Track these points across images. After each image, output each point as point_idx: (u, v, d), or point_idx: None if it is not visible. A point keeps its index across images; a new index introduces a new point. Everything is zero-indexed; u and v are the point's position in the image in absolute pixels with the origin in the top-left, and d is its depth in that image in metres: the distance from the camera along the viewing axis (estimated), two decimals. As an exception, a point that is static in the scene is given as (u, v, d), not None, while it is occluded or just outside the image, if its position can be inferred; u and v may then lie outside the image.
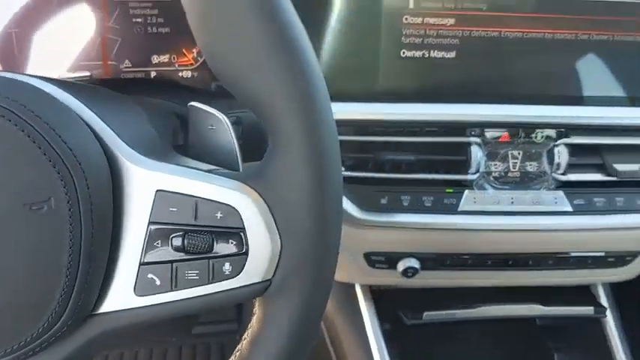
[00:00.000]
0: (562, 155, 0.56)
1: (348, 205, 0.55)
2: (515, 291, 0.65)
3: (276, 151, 0.30)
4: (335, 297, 0.65)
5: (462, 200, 0.56)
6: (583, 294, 0.69)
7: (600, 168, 0.57)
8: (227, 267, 0.30)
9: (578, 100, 0.56)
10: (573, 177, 0.56)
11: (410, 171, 0.55)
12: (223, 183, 0.30)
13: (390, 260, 0.59)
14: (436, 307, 0.63)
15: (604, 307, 0.68)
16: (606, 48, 0.55)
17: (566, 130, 0.56)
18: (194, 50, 0.57)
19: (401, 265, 0.59)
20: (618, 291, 0.69)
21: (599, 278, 0.67)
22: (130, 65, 0.56)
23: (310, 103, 0.29)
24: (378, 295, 0.65)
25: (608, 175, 0.56)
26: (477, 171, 0.56)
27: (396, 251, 0.59)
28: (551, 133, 0.56)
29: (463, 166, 0.55)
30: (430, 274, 0.60)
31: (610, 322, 0.67)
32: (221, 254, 0.30)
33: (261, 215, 0.30)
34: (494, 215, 0.57)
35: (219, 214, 0.30)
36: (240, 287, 0.31)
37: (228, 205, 0.30)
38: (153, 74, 0.57)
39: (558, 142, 0.56)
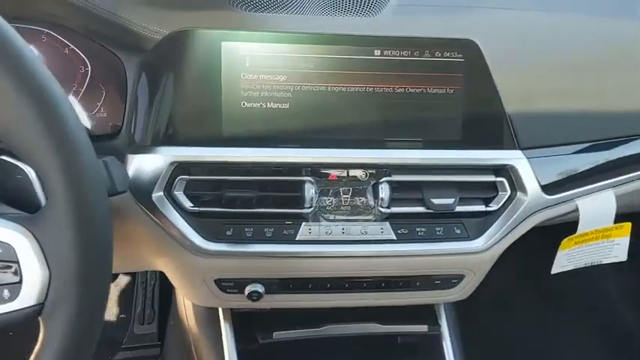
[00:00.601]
0: (385, 191, 0.64)
1: (195, 237, 0.62)
2: (366, 310, 0.73)
3: (46, 198, 0.38)
4: (199, 319, 0.72)
5: (299, 231, 0.64)
6: (427, 312, 0.77)
7: (421, 202, 0.65)
8: (6, 293, 0.38)
9: (398, 144, 0.64)
10: (395, 210, 0.65)
11: (253, 206, 0.63)
12: (3, 225, 0.38)
13: (238, 285, 0.67)
14: (288, 327, 0.71)
15: (438, 325, 0.76)
16: (420, 99, 0.64)
17: (389, 169, 0.65)
18: (63, 101, 0.65)
19: (246, 290, 0.66)
20: (459, 309, 0.77)
21: (433, 299, 0.75)
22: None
23: (67, 159, 0.37)
24: (240, 317, 0.72)
25: (428, 208, 0.65)
26: (311, 206, 0.64)
27: (243, 277, 0.66)
28: (375, 172, 0.65)
29: (299, 201, 0.64)
30: (277, 297, 0.68)
31: (446, 338, 0.75)
32: (1, 283, 0.37)
33: (33, 251, 0.37)
34: (327, 244, 0.65)
35: None
36: (17, 310, 0.38)
37: (6, 242, 0.37)
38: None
39: (381, 179, 0.65)
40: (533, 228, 0.71)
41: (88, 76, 0.64)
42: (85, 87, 0.64)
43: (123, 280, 1.25)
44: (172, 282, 0.69)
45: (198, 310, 0.71)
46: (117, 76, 0.64)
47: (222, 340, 0.70)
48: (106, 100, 0.65)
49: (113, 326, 1.16)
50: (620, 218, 0.74)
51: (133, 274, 1.23)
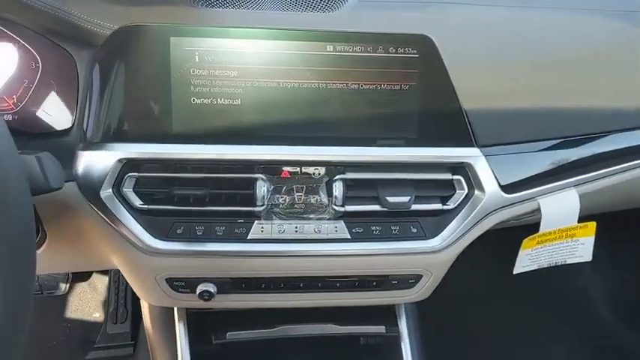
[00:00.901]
0: (339, 189, 0.63)
1: (145, 235, 0.62)
2: (325, 310, 0.72)
3: None
4: (155, 318, 0.71)
5: (251, 230, 0.63)
6: (387, 313, 0.75)
7: (376, 200, 0.64)
8: None
9: (352, 141, 0.63)
10: (350, 208, 0.63)
11: (204, 204, 0.62)
12: None
13: (190, 285, 0.66)
14: (242, 327, 0.70)
15: (397, 325, 0.74)
16: (374, 95, 0.63)
17: (343, 166, 0.64)
18: (14, 96, 0.64)
19: (198, 289, 0.65)
20: (421, 310, 0.76)
21: (391, 299, 0.73)
22: (-44, 111, 0.62)
23: None
24: (196, 316, 0.71)
25: (383, 206, 0.64)
26: (264, 204, 0.63)
27: (195, 276, 0.65)
28: (328, 169, 0.63)
29: (251, 199, 0.63)
30: (230, 296, 0.67)
31: (405, 339, 0.74)
32: None
33: None
34: (279, 243, 0.63)
35: None
36: None
37: None
38: (-23, 118, 0.64)
39: (336, 177, 0.63)
40: (499, 228, 0.70)
41: (39, 72, 0.63)
42: (35, 83, 0.63)
43: (96, 279, 1.25)
44: (127, 280, 0.68)
45: (155, 309, 0.70)
46: (68, 72, 0.63)
47: (176, 339, 0.69)
48: (57, 96, 0.64)
49: (86, 325, 1.15)
50: (585, 220, 0.73)
51: (106, 273, 1.22)
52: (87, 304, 1.20)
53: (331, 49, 0.62)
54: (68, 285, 1.15)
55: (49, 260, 0.74)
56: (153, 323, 0.71)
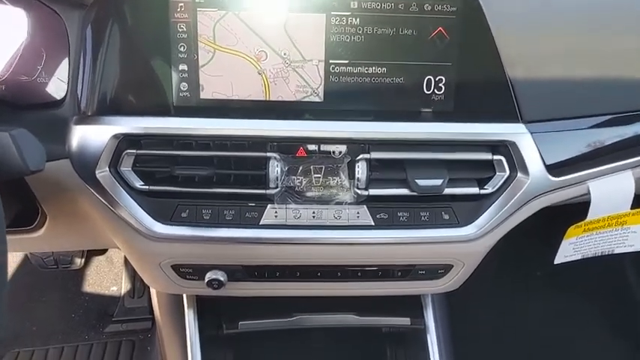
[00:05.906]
0: (362, 170, 0.52)
1: (146, 219, 0.52)
2: (345, 299, 0.63)
3: None
4: (164, 303, 0.63)
5: (264, 214, 0.54)
6: (413, 303, 0.66)
7: (404, 183, 0.53)
8: None
9: (378, 115, 0.52)
10: (374, 192, 0.53)
11: (212, 185, 0.53)
12: None
13: (198, 272, 0.57)
14: (255, 316, 0.61)
15: (422, 317, 0.65)
16: (405, 62, 0.51)
17: (367, 144, 0.53)
18: (1, 65, 0.55)
19: (206, 278, 0.56)
20: (450, 301, 0.66)
21: (416, 289, 0.63)
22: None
23: None
24: (206, 303, 0.63)
25: (412, 190, 0.53)
26: (277, 186, 0.53)
27: (203, 263, 0.56)
28: (350, 147, 0.53)
29: (263, 180, 0.53)
30: (241, 284, 0.58)
31: (432, 332, 0.64)
32: None
33: None
34: (295, 229, 0.54)
35: None
36: None
37: None
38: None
39: (359, 157, 0.53)
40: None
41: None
42: (22, 49, 0.54)
43: (112, 252, 1.18)
44: (132, 265, 0.60)
45: (163, 294, 0.62)
46: (58, 36, 0.53)
47: (185, 327, 0.61)
48: (47, 63, 0.54)
49: (104, 299, 1.09)
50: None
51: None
52: (104, 277, 1.14)
53: (355, 6, 0.50)
54: (84, 259, 1.09)
55: (52, 240, 0.66)
56: (162, 309, 0.63)
